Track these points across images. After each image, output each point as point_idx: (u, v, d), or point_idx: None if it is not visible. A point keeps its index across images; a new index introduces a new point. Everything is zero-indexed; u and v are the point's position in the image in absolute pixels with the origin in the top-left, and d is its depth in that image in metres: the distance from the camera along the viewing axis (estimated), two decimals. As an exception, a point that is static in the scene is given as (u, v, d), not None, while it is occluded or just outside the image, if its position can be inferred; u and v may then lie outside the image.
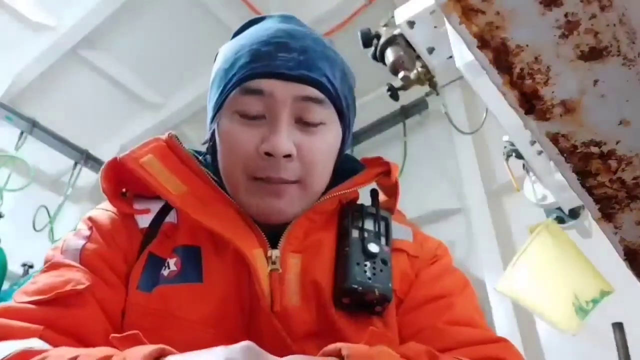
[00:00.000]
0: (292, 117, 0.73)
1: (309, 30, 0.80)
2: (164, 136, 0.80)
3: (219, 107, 0.76)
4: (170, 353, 0.52)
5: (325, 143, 0.75)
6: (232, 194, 0.76)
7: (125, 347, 0.54)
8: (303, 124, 0.73)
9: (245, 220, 0.74)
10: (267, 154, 0.71)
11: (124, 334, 0.58)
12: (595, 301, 1.53)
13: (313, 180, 0.75)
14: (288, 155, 0.71)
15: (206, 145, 0.83)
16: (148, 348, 0.51)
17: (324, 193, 0.79)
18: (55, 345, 0.62)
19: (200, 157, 0.82)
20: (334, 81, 0.75)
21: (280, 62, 0.72)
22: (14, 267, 2.77)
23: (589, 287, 1.56)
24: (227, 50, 0.79)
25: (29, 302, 0.66)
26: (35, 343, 0.61)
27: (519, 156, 1.55)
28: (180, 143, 0.79)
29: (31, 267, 2.87)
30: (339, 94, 0.76)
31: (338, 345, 0.54)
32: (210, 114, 0.80)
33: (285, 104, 0.72)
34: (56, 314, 0.65)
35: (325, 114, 0.75)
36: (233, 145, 0.74)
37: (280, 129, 0.71)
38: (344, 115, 0.78)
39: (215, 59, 0.82)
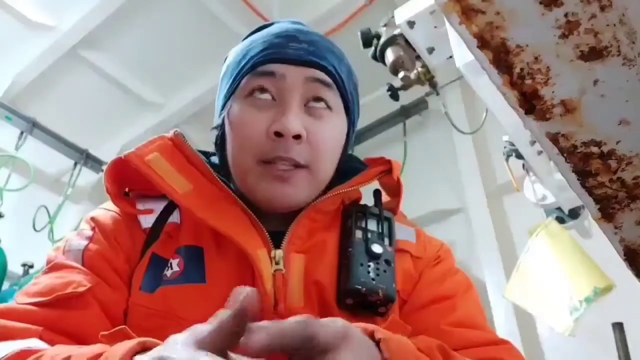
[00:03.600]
0: (302, 101, 0.75)
1: (319, 34, 0.83)
2: (169, 134, 0.80)
3: (230, 94, 0.77)
4: (152, 347, 0.51)
5: (333, 129, 0.77)
6: (240, 182, 0.77)
7: (114, 343, 0.54)
8: (312, 107, 0.75)
9: (250, 220, 0.74)
10: (277, 134, 0.71)
11: (111, 330, 0.57)
12: (588, 300, 1.53)
13: (320, 167, 0.75)
14: (298, 137, 0.72)
15: (214, 142, 0.83)
16: (129, 343, 0.51)
17: (326, 191, 0.79)
18: (53, 346, 0.61)
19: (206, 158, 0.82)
20: (340, 73, 0.77)
21: (292, 51, 0.75)
22: (14, 267, 2.77)
23: (582, 286, 1.56)
24: (238, 47, 0.82)
25: (30, 304, 0.66)
26: (34, 343, 0.61)
27: (519, 156, 1.55)
28: (186, 141, 0.79)
29: (31, 267, 2.86)
30: (345, 85, 0.78)
31: (368, 326, 0.53)
32: (220, 102, 0.81)
33: (295, 86, 0.74)
34: (56, 316, 0.65)
35: (333, 99, 0.77)
36: (244, 129, 0.74)
37: (290, 110, 0.72)
38: (349, 108, 0.80)
39: (224, 61, 0.84)
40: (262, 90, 0.74)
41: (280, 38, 0.76)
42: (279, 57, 0.74)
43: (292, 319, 0.45)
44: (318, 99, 0.75)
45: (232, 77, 0.77)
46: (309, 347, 0.45)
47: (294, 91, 0.74)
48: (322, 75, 0.75)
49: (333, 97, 0.77)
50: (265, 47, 0.75)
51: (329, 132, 0.76)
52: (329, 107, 0.76)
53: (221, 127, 0.80)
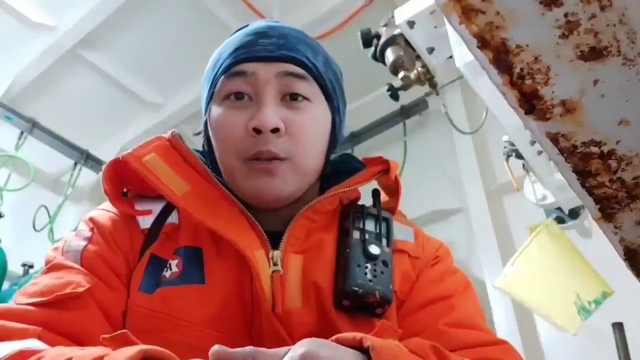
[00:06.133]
0: (278, 95, 0.74)
1: (293, 27, 0.82)
2: (167, 135, 0.80)
3: (209, 99, 0.77)
4: (154, 354, 0.51)
5: (312, 119, 0.76)
6: (229, 182, 0.77)
7: (115, 347, 0.54)
8: (288, 100, 0.75)
9: (248, 221, 0.74)
10: (255, 130, 0.71)
11: (113, 334, 0.57)
12: (597, 302, 1.53)
13: (303, 158, 0.75)
14: (276, 130, 0.72)
15: (202, 141, 0.83)
16: (130, 351, 0.50)
17: (324, 191, 0.79)
18: (53, 346, 0.61)
19: (203, 158, 0.82)
20: (315, 62, 0.76)
21: (261, 47, 0.75)
22: (14, 267, 2.77)
23: (591, 287, 1.56)
24: (215, 52, 0.82)
25: (29, 304, 0.66)
26: (33, 344, 0.61)
27: (519, 156, 1.55)
28: (184, 142, 0.79)
29: (31, 267, 2.86)
30: (322, 74, 0.77)
31: (357, 335, 0.54)
32: (203, 108, 0.81)
33: (268, 82, 0.74)
34: (55, 316, 0.65)
35: (310, 90, 0.76)
36: (224, 129, 0.75)
37: (265, 105, 0.72)
38: (330, 96, 0.79)
39: None
40: (237, 94, 0.74)
41: (251, 36, 0.76)
42: (249, 56, 0.74)
43: None
44: (294, 94, 0.75)
45: (209, 82, 0.78)
46: None
47: (267, 87, 0.73)
48: (295, 68, 0.75)
49: (309, 87, 0.76)
50: (236, 48, 0.75)
51: (308, 123, 0.75)
52: (306, 99, 0.75)
53: (206, 131, 0.81)
